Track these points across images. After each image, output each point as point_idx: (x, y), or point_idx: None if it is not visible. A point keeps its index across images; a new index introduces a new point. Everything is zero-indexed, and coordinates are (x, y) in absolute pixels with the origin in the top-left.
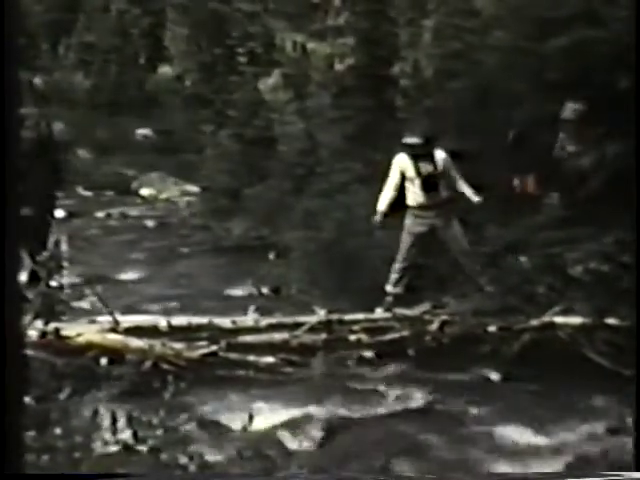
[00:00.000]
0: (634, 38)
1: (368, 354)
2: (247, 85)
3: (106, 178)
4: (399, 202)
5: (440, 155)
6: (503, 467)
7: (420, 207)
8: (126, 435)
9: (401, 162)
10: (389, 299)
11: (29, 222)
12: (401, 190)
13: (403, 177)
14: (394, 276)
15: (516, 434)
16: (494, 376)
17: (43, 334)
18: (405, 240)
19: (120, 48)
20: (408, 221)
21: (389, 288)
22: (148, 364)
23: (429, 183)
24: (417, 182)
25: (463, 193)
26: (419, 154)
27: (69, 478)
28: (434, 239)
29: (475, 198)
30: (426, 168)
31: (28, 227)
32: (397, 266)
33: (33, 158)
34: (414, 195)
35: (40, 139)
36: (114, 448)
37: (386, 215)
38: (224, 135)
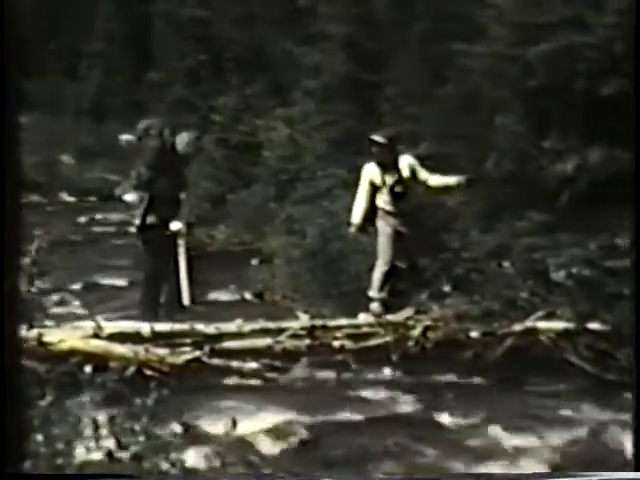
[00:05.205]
0: (632, 44)
1: (351, 359)
2: (232, 91)
3: (89, 184)
4: (374, 208)
5: (405, 160)
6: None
7: (388, 213)
8: (109, 442)
9: (369, 172)
10: (376, 305)
11: (153, 230)
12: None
13: (373, 186)
14: (377, 282)
15: (500, 437)
16: (477, 380)
17: (25, 340)
18: (382, 243)
19: (106, 54)
20: (380, 222)
21: (373, 294)
22: (131, 370)
23: (395, 192)
24: (385, 190)
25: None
26: (384, 163)
27: (69, 478)
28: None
29: (454, 180)
30: (391, 177)
31: (152, 235)
32: (380, 270)
33: (157, 167)
34: (383, 203)
35: (163, 148)
36: (97, 455)
37: (361, 228)
38: (209, 140)
